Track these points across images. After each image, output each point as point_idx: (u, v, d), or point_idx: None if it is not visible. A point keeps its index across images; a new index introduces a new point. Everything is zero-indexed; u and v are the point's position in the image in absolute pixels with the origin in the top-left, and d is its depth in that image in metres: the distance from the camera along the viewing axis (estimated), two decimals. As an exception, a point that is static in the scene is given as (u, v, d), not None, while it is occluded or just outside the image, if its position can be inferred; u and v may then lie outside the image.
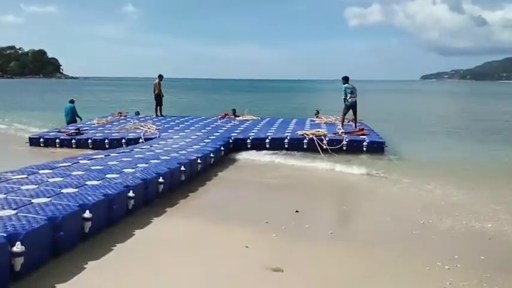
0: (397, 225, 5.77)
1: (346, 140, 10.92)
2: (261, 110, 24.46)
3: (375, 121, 15.22)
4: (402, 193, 7.48)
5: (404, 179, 8.28)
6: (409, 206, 6.70)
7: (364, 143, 10.80)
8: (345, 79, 12.35)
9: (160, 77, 16.24)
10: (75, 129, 12.67)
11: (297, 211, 6.14)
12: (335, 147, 10.76)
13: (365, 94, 54.53)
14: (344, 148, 10.81)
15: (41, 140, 12.09)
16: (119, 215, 5.39)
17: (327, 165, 9.65)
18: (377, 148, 10.88)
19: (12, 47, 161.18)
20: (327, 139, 10.98)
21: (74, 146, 11.76)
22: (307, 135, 11.26)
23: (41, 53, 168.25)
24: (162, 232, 5.28)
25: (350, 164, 9.47)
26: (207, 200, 7.07)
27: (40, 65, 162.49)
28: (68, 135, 12.15)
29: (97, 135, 12.25)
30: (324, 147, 10.78)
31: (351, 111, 12.42)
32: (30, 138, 12.33)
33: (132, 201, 5.61)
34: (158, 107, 16.52)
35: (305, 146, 11.00)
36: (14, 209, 4.24)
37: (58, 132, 12.66)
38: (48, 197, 4.77)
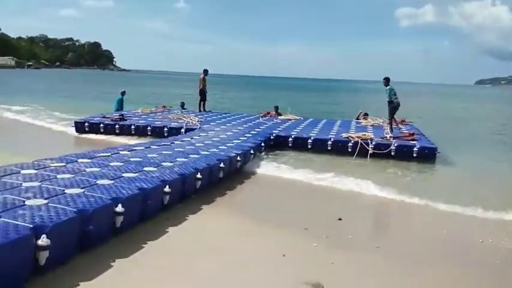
0: (448, 245, 5.18)
1: (395, 144, 10.25)
2: (305, 109, 23.95)
3: (424, 126, 14.32)
4: (454, 212, 6.68)
5: (454, 197, 7.49)
6: (459, 225, 6.05)
7: (415, 149, 10.07)
8: (388, 80, 11.74)
9: (206, 71, 16.08)
10: (119, 115, 12.99)
11: (339, 219, 5.70)
12: (382, 152, 10.14)
13: (415, 97, 52.68)
14: (392, 153, 10.15)
15: (86, 124, 12.39)
16: (154, 210, 5.19)
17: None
18: (428, 154, 10.12)
19: (70, 39, 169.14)
20: (373, 143, 10.36)
21: (117, 131, 12.01)
22: (353, 138, 10.69)
23: (96, 45, 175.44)
24: (196, 231, 5.02)
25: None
26: (244, 199, 6.78)
27: (95, 56, 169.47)
28: (112, 120, 12.41)
29: (140, 122, 12.42)
30: (370, 151, 10.19)
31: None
32: (76, 123, 12.64)
33: (167, 197, 5.40)
34: (202, 102, 16.45)
35: (349, 149, 10.41)
36: (46, 199, 4.11)
37: (103, 117, 12.94)
38: (81, 188, 4.63)
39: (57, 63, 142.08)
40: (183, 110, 16.23)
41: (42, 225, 3.44)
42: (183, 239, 4.70)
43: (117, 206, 4.34)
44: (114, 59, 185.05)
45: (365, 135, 10.98)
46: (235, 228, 5.23)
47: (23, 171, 5.19)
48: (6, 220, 3.44)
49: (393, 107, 11.68)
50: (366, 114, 15.41)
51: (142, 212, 4.94)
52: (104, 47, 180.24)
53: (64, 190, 4.48)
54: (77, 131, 12.47)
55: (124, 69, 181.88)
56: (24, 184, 4.59)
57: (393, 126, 12.35)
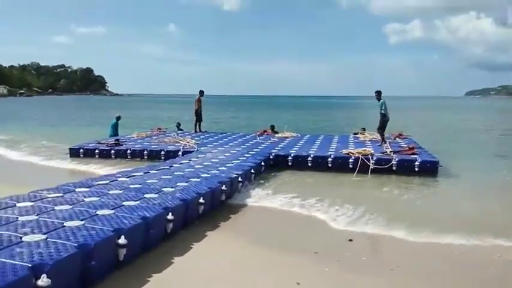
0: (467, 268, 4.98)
1: (396, 159, 10.12)
2: (300, 126, 23.88)
3: (421, 139, 14.21)
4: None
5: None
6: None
7: (416, 163, 9.94)
8: (380, 93, 11.87)
9: (201, 92, 16.05)
10: (115, 140, 12.90)
11: (350, 240, 5.49)
12: (383, 167, 10.00)
13: (409, 111, 52.97)
14: (394, 168, 10.01)
15: (81, 150, 12.26)
16: (157, 239, 4.96)
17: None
18: (430, 168, 9.99)
19: (62, 66, 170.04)
20: (374, 158, 10.23)
21: (113, 156, 11.89)
22: (353, 154, 10.54)
23: (88, 71, 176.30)
24: (202, 260, 4.78)
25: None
26: (249, 223, 6.53)
27: (87, 82, 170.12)
28: (107, 145, 12.28)
29: (136, 146, 12.31)
30: (372, 167, 10.05)
31: None
32: (70, 149, 12.48)
33: (171, 225, 5.18)
34: (197, 123, 16.34)
35: (350, 166, 10.26)
36: (45, 233, 3.88)
37: (98, 143, 12.79)
38: (81, 220, 4.40)
39: (50, 90, 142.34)
40: (179, 131, 16.11)
41: (41, 263, 3.21)
42: (189, 271, 4.45)
43: (119, 238, 4.11)
44: (107, 84, 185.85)
45: (365, 150, 10.84)
46: (243, 255, 5.01)
47: (18, 204, 4.96)
48: (2, 260, 3.21)
49: (386, 120, 11.84)
50: (363, 129, 15.35)
51: (145, 243, 4.71)
52: (96, 73, 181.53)
53: (63, 223, 4.26)
54: (71, 156, 12.29)
55: (117, 94, 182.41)
56: (21, 218, 4.35)
57: (390, 140, 12.36)
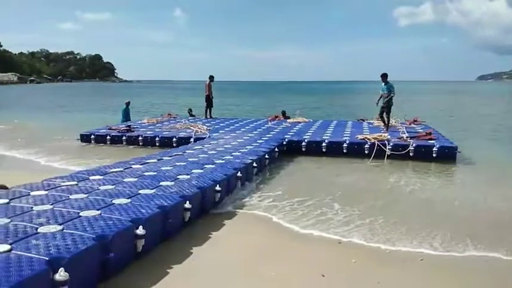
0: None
1: (413, 145, 9.85)
2: (311, 112, 23.56)
3: (436, 125, 13.88)
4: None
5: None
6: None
7: (434, 149, 9.68)
8: (386, 76, 11.61)
9: (211, 78, 15.77)
10: (126, 127, 12.77)
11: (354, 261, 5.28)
12: (400, 153, 9.76)
13: (421, 96, 52.10)
14: (411, 154, 9.77)
15: (92, 136, 12.16)
16: (175, 229, 4.80)
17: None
18: (448, 154, 9.72)
19: (71, 53, 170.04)
20: (391, 144, 9.98)
21: (124, 142, 11.79)
22: (369, 139, 10.30)
23: (97, 57, 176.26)
24: (222, 250, 4.61)
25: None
26: (266, 209, 6.30)
27: (96, 69, 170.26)
28: (118, 132, 12.18)
29: (148, 133, 12.16)
30: (388, 153, 9.82)
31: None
32: (81, 135, 12.37)
33: (188, 213, 5.02)
34: (208, 109, 16.13)
35: (366, 152, 10.06)
36: (60, 224, 3.73)
37: (109, 129, 12.66)
38: (98, 209, 4.25)
39: (59, 77, 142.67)
40: (190, 117, 15.95)
41: (58, 256, 3.05)
42: (209, 261, 4.29)
43: (137, 228, 3.95)
44: (116, 71, 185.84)
45: (381, 136, 10.59)
46: (264, 245, 4.82)
47: (32, 193, 4.82)
48: (18, 253, 3.06)
49: (390, 105, 11.62)
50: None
51: (163, 232, 4.55)
52: (105, 59, 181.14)
53: (79, 213, 4.11)
54: (82, 141, 12.23)
55: (126, 80, 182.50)
56: (35, 208, 4.21)
57: (406, 125, 12.04)
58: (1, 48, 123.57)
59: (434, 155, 9.61)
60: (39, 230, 3.55)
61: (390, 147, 9.88)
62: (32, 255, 3.03)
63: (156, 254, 4.30)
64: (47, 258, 2.99)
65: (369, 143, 10.11)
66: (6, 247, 3.14)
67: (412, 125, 13.12)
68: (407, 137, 10.59)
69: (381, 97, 11.71)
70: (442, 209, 6.31)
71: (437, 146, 9.71)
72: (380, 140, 10.16)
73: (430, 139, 10.36)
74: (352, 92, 73.61)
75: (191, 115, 16.83)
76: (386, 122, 11.89)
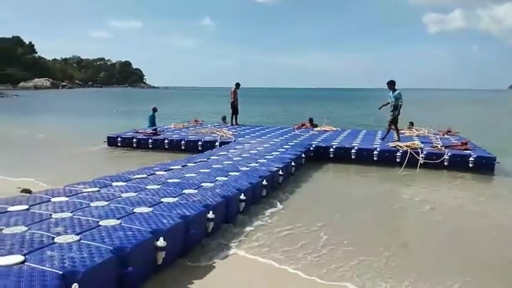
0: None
1: (448, 154, 9.37)
2: (339, 120, 23.02)
3: (471, 136, 13.16)
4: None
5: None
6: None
7: (471, 159, 9.16)
8: (394, 84, 10.97)
9: (237, 85, 15.68)
10: (153, 130, 12.91)
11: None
12: (434, 162, 9.30)
13: (449, 104, 50.48)
14: (445, 163, 9.29)
15: (119, 139, 12.24)
16: (197, 240, 4.57)
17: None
18: (486, 165, 9.18)
19: (102, 59, 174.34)
20: (424, 152, 9.54)
21: (150, 146, 11.84)
22: (401, 147, 9.88)
23: (127, 64, 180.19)
24: (248, 265, 4.34)
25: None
26: (294, 219, 5.97)
27: (126, 75, 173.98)
28: (144, 135, 12.24)
29: (173, 136, 12.18)
30: (421, 161, 9.38)
31: None
32: (108, 138, 12.48)
33: (211, 224, 4.78)
34: (234, 116, 15.99)
35: (398, 160, 9.66)
36: (78, 234, 3.56)
37: (135, 132, 12.76)
38: (118, 218, 4.06)
39: (90, 83, 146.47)
40: (216, 124, 15.91)
41: (73, 270, 2.86)
42: (234, 278, 4.03)
43: (158, 240, 3.73)
44: (144, 77, 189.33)
45: (414, 144, 10.15)
46: (295, 262, 4.45)
47: (53, 199, 4.70)
48: (31, 265, 2.89)
49: (398, 114, 10.97)
50: (411, 124, 14.54)
51: (185, 244, 4.33)
52: (134, 66, 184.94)
53: (98, 222, 3.93)
54: (109, 145, 12.33)
55: (153, 86, 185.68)
56: (54, 215, 4.06)
57: (440, 136, 11.43)
58: (36, 55, 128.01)
59: (470, 165, 9.11)
60: (55, 240, 3.39)
61: (423, 156, 9.45)
62: (46, 268, 2.85)
63: (177, 267, 4.08)
64: (61, 272, 2.80)
65: (401, 151, 9.70)
66: (20, 258, 2.97)
67: (446, 136, 12.55)
68: (441, 146, 10.11)
69: (387, 104, 11.16)
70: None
71: (474, 155, 9.21)
72: (413, 148, 9.73)
73: (466, 149, 9.84)
74: (380, 99, 72.22)
75: (224, 122, 16.74)
76: (396, 132, 11.27)
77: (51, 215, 4.09)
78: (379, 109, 11.58)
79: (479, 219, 6.14)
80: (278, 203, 6.56)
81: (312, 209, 6.51)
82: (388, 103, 11.10)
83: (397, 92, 10.87)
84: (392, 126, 11.22)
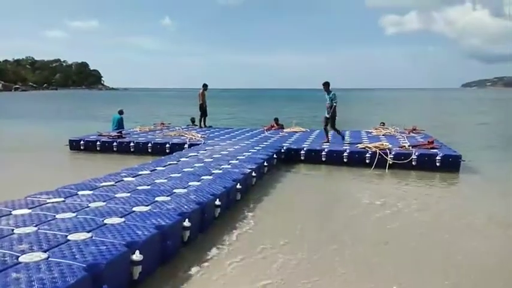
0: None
1: (416, 154, 9.57)
2: (307, 120, 23.18)
3: (433, 134, 13.57)
4: None
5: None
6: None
7: (437, 158, 9.39)
8: (328, 85, 11.00)
9: (205, 86, 15.43)
10: (117, 133, 12.54)
11: (387, 242, 4.89)
12: (402, 162, 9.46)
13: (413, 104, 52.16)
14: (413, 163, 9.47)
15: (82, 142, 11.85)
16: (173, 251, 4.34)
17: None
18: (452, 163, 9.42)
19: (57, 60, 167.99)
20: (393, 153, 9.69)
21: (115, 149, 11.48)
22: (369, 148, 10.00)
23: (84, 65, 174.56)
24: (226, 273, 4.15)
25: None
26: (269, 225, 5.84)
27: (83, 76, 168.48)
28: (109, 138, 11.88)
29: (139, 139, 11.83)
30: (390, 162, 9.52)
31: None
32: (70, 141, 12.04)
33: (187, 232, 4.56)
34: (202, 118, 15.71)
35: (367, 161, 9.77)
36: (45, 251, 3.25)
37: (99, 135, 12.38)
38: (88, 231, 3.77)
39: (45, 85, 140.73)
40: (183, 127, 15.58)
41: (43, 293, 2.57)
42: (212, 284, 3.84)
43: (134, 253, 3.48)
44: (102, 78, 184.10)
45: (382, 144, 10.29)
46: (276, 267, 4.32)
47: (14, 212, 4.31)
48: (-6, 290, 2.58)
49: (334, 116, 11.03)
50: (382, 124, 14.73)
51: (161, 255, 4.09)
52: (92, 67, 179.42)
53: (67, 236, 3.62)
54: (71, 149, 11.85)
55: (112, 88, 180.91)
56: (17, 231, 3.71)
57: (406, 134, 11.60)
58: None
59: (437, 164, 9.32)
60: (20, 259, 3.07)
61: (392, 156, 9.60)
62: (11, 293, 2.55)
63: (152, 280, 3.83)
64: (29, 297, 2.51)
65: (370, 152, 9.81)
66: (-20, 283, 2.66)
67: (412, 134, 12.85)
68: (409, 145, 10.31)
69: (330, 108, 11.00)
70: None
71: (441, 154, 9.43)
72: (381, 148, 9.87)
73: (433, 148, 10.08)
74: (346, 100, 73.69)
75: (194, 124, 16.38)
76: (326, 134, 11.39)
77: (13, 230, 3.74)
78: (328, 115, 11.11)
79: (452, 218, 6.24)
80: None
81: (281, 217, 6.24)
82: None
83: (332, 93, 10.90)
84: (329, 127, 11.26)
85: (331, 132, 11.66)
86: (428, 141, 10.67)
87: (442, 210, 6.56)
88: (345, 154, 9.98)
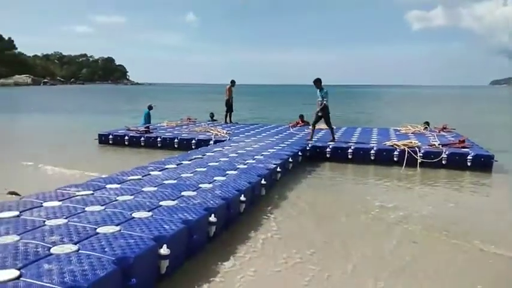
0: None
1: (446, 153, 9.30)
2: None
3: (465, 133, 13.14)
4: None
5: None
6: None
7: (469, 157, 9.11)
8: (320, 82, 10.63)
9: (233, 82, 15.52)
10: (145, 128, 12.78)
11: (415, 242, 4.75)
12: (432, 161, 9.22)
13: (440, 102, 50.73)
14: (443, 162, 9.22)
15: (110, 137, 12.12)
16: (199, 246, 4.33)
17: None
18: (484, 163, 9.12)
19: (84, 55, 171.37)
20: (422, 151, 9.45)
21: (142, 144, 11.68)
22: (398, 146, 9.78)
23: (110, 60, 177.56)
24: (253, 268, 4.12)
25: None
26: (294, 224, 5.79)
27: (109, 71, 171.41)
28: (137, 132, 12.10)
29: (166, 134, 12.00)
30: (419, 160, 9.29)
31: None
32: (99, 135, 12.33)
33: (213, 228, 4.55)
34: (228, 114, 15.75)
35: (395, 159, 9.55)
36: (75, 243, 3.29)
37: (128, 130, 12.64)
38: (116, 225, 3.80)
39: (72, 79, 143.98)
40: (209, 122, 15.68)
41: (74, 286, 2.60)
42: (240, 279, 3.82)
43: (161, 247, 3.49)
44: (128, 73, 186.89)
45: (411, 142, 10.06)
46: (301, 263, 4.27)
47: (45, 204, 4.40)
48: (27, 280, 2.62)
49: (328, 112, 10.73)
50: (426, 123, 13.66)
51: (187, 250, 4.09)
52: (118, 62, 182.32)
53: (96, 229, 3.66)
54: (100, 143, 12.17)
55: (137, 83, 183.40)
56: (48, 222, 3.78)
57: (436, 133, 11.24)
58: (16, 51, 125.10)
59: (468, 163, 9.05)
60: (52, 251, 3.11)
61: (421, 155, 9.36)
62: (44, 283, 2.58)
63: (180, 274, 3.84)
64: (62, 289, 2.54)
65: (398, 150, 9.59)
66: (15, 273, 2.70)
67: (442, 133, 12.51)
68: (439, 144, 10.04)
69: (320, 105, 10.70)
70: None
71: (472, 154, 9.14)
72: (410, 146, 9.64)
73: (464, 147, 9.79)
74: (368, 96, 72.58)
75: (213, 120, 16.51)
76: (312, 131, 11.12)
77: (44, 221, 3.81)
78: (318, 112, 10.86)
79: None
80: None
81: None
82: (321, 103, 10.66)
83: (324, 90, 10.57)
84: (313, 124, 11.06)
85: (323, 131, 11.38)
86: (460, 140, 10.37)
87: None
88: (372, 152, 9.79)
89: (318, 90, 10.64)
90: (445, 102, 51.97)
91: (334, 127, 11.44)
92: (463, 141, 10.21)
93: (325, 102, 10.57)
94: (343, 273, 4.04)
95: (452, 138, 11.10)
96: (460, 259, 4.51)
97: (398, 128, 13.51)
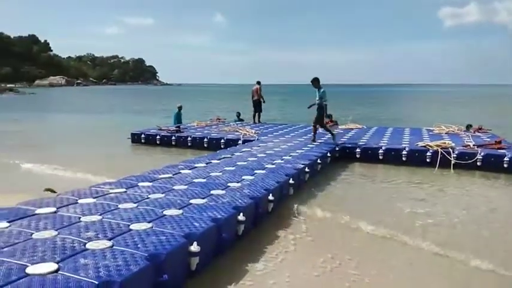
0: None
1: (481, 154, 9.00)
2: (361, 117, 22.58)
3: (503, 135, 12.66)
4: None
5: None
6: None
7: (505, 159, 8.77)
8: (319, 81, 10.26)
9: (259, 83, 15.63)
10: (176, 127, 13.17)
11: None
12: (467, 162, 8.94)
13: (470, 100, 49.17)
14: (478, 164, 8.91)
15: (142, 136, 12.48)
16: (228, 244, 4.37)
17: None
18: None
19: (115, 56, 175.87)
20: (456, 152, 9.18)
21: (173, 143, 11.96)
22: (431, 147, 9.54)
23: (140, 61, 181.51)
24: (283, 268, 4.13)
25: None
26: (322, 221, 5.75)
27: (139, 72, 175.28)
28: (168, 132, 12.43)
29: (196, 134, 12.25)
30: (453, 161, 9.03)
31: None
32: (132, 134, 12.71)
33: (242, 226, 4.59)
34: (256, 114, 15.83)
35: (428, 160, 9.32)
36: (110, 239, 3.39)
37: (159, 129, 12.97)
38: (148, 222, 3.89)
39: (104, 80, 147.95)
40: (238, 122, 15.83)
41: (109, 280, 2.68)
42: (270, 280, 3.84)
43: (192, 245, 3.55)
44: (157, 74, 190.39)
45: (445, 143, 9.80)
46: (338, 268, 4.22)
47: (80, 201, 4.55)
48: (66, 274, 2.72)
49: (323, 113, 10.38)
50: (470, 126, 13.12)
51: (216, 248, 4.13)
52: (147, 63, 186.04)
53: (129, 226, 3.76)
54: (133, 142, 12.56)
55: (166, 84, 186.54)
56: (83, 219, 3.91)
57: (471, 133, 10.91)
58: (51, 53, 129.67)
59: (505, 165, 8.72)
60: (87, 246, 3.22)
61: (455, 156, 9.10)
62: (81, 277, 2.68)
63: (209, 272, 3.89)
64: (97, 282, 2.63)
65: (431, 151, 9.36)
66: (54, 266, 2.81)
67: (477, 133, 12.11)
68: (473, 145, 9.73)
69: (314, 104, 10.41)
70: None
71: (509, 155, 8.80)
72: (443, 147, 9.39)
73: (500, 148, 9.44)
74: (398, 96, 71.05)
75: (239, 119, 16.66)
76: (314, 132, 10.81)
77: (79, 218, 3.94)
78: (308, 108, 10.71)
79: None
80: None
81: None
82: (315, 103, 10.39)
83: (322, 90, 10.23)
84: (321, 127, 10.78)
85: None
86: (496, 141, 10.02)
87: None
88: (404, 153, 9.59)
89: (317, 89, 10.34)
90: (478, 102, 50.31)
91: (320, 130, 11.09)
92: (500, 142, 9.86)
93: (324, 102, 10.29)
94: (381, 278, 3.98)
95: (488, 139, 10.74)
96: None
97: (432, 128, 13.19)
